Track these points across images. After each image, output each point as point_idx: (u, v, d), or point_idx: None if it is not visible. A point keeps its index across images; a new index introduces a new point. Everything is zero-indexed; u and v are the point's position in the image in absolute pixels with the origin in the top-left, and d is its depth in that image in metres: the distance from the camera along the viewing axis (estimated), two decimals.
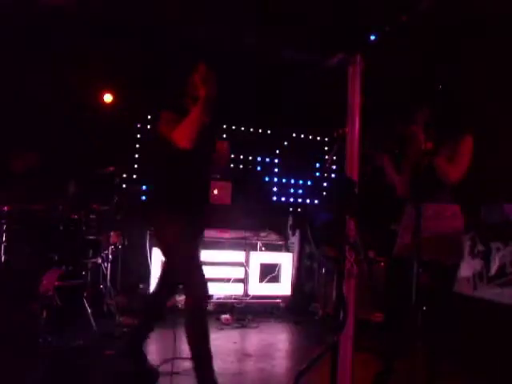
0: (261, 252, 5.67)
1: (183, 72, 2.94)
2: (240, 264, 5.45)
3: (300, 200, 6.81)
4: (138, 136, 6.31)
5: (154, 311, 3.18)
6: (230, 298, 5.41)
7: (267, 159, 6.68)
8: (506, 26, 3.99)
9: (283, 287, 5.62)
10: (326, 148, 6.94)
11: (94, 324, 3.86)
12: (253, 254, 5.53)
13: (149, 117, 6.35)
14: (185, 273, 2.74)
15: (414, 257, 2.40)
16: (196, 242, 2.90)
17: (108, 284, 4.60)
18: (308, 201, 6.82)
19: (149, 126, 6.35)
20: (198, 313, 2.69)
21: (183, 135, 2.63)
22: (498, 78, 4.38)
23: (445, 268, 2.71)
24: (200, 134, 2.68)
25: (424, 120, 2.72)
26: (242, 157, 6.61)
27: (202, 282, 2.75)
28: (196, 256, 2.84)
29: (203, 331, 2.68)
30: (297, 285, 5.78)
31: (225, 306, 5.31)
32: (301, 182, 6.80)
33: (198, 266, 2.78)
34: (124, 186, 5.82)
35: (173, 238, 2.75)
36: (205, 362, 2.65)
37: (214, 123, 2.98)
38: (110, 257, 4.70)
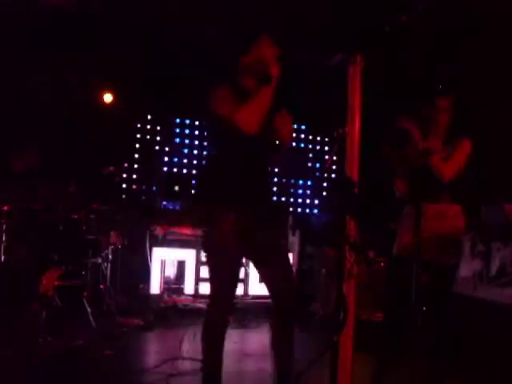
0: None
1: (244, 44, 2.45)
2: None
3: (300, 200, 6.81)
4: (138, 136, 6.31)
5: None
6: None
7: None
8: (506, 25, 3.99)
9: None
10: (326, 148, 6.95)
11: (93, 324, 3.86)
12: None
13: (149, 117, 6.36)
14: (212, 285, 2.42)
15: (414, 257, 2.40)
16: (242, 250, 2.43)
17: (108, 284, 4.60)
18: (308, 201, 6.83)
19: (148, 126, 6.36)
20: (207, 325, 2.44)
21: (249, 117, 2.22)
22: (498, 78, 4.38)
23: (445, 268, 2.71)
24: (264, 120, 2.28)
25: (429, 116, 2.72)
26: None
27: (224, 303, 2.43)
28: (231, 272, 2.43)
29: (210, 345, 2.44)
30: (297, 285, 5.77)
31: None
32: (301, 182, 6.80)
33: (226, 284, 2.41)
34: (124, 185, 5.83)
35: (214, 242, 2.38)
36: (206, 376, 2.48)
37: (275, 110, 2.41)
38: (110, 257, 4.70)
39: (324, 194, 7.03)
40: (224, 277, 2.41)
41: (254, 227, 2.36)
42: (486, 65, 4.42)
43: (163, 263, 5.27)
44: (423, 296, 2.45)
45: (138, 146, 6.30)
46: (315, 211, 7.03)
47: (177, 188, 5.97)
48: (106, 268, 4.61)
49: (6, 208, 4.04)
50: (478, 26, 4.18)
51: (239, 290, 5.41)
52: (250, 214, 2.36)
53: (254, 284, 5.46)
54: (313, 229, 6.25)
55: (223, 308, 2.44)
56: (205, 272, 5.33)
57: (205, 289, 5.35)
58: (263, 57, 2.32)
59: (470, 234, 4.71)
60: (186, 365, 3.27)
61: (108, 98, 5.77)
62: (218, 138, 2.45)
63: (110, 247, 4.69)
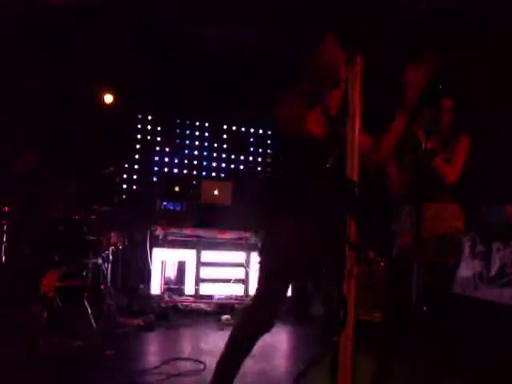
0: None
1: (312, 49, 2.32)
2: (240, 264, 5.45)
3: None
4: (139, 136, 6.32)
5: None
6: (230, 298, 5.40)
7: (268, 159, 6.70)
8: (506, 25, 3.99)
9: None
10: None
11: (94, 324, 3.86)
12: (253, 254, 5.52)
13: (149, 117, 6.36)
14: (256, 293, 2.38)
15: (414, 257, 2.40)
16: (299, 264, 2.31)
17: (108, 284, 4.60)
18: None
19: (149, 127, 6.36)
20: (234, 339, 2.38)
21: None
22: (497, 78, 4.38)
23: (445, 268, 2.71)
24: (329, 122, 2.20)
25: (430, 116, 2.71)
26: (242, 157, 6.62)
27: (262, 316, 2.33)
28: (282, 286, 2.37)
29: (231, 361, 2.36)
30: (297, 285, 5.77)
31: (225, 307, 5.31)
32: None
33: (271, 295, 2.36)
34: (124, 186, 5.82)
35: (274, 250, 2.33)
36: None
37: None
38: (111, 257, 4.70)
39: None
40: (273, 289, 2.34)
41: (316, 239, 2.22)
42: (486, 64, 4.42)
43: (163, 263, 5.28)
44: (423, 296, 2.45)
45: (138, 146, 6.31)
46: None
47: (177, 188, 5.98)
48: (107, 268, 4.61)
49: (6, 208, 4.04)
50: (478, 26, 4.18)
51: (239, 290, 5.41)
52: (314, 223, 2.23)
53: (254, 284, 5.45)
54: None
55: (262, 324, 2.32)
56: (205, 272, 5.34)
57: (205, 289, 5.35)
58: (333, 60, 2.21)
59: (470, 234, 4.72)
60: (187, 365, 3.28)
61: (108, 98, 5.77)
62: (286, 146, 2.37)
63: (111, 248, 4.69)
